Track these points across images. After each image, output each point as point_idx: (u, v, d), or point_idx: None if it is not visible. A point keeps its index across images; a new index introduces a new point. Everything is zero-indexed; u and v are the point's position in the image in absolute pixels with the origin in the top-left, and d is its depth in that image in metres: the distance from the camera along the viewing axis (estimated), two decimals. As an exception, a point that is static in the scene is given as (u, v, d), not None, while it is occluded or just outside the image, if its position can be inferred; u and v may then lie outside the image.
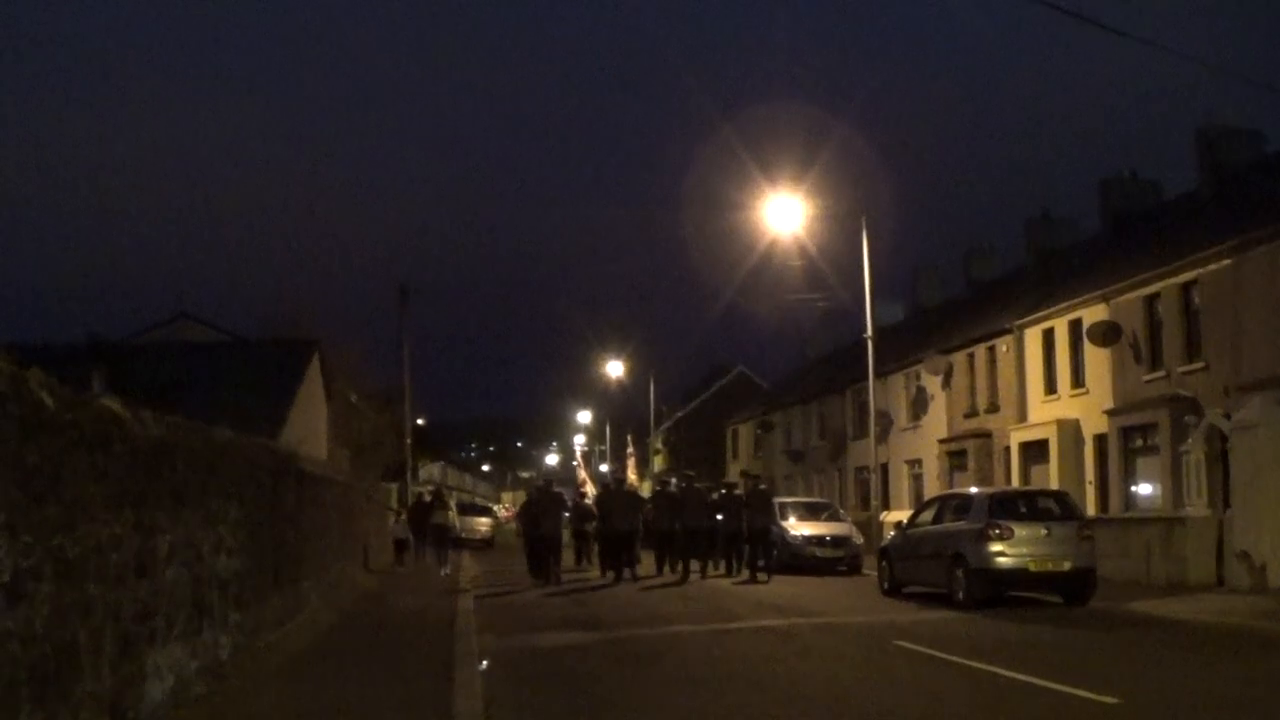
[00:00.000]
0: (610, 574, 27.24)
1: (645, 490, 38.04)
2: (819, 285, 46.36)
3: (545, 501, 27.96)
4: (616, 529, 27.58)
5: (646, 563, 29.61)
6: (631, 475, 76.67)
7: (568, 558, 30.97)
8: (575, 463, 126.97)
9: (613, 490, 31.14)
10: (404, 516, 35.14)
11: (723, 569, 29.12)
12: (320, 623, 15.82)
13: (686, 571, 27.64)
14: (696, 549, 28.42)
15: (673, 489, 31.67)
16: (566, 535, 31.92)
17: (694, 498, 29.27)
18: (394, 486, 48.58)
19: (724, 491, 31.03)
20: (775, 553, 28.68)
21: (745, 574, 27.72)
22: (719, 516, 29.03)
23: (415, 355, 70.96)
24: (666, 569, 28.49)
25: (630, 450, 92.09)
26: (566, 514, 32.14)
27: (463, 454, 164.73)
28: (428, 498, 34.91)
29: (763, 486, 30.72)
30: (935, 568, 20.65)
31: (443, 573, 28.63)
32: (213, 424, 10.60)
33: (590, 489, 56.56)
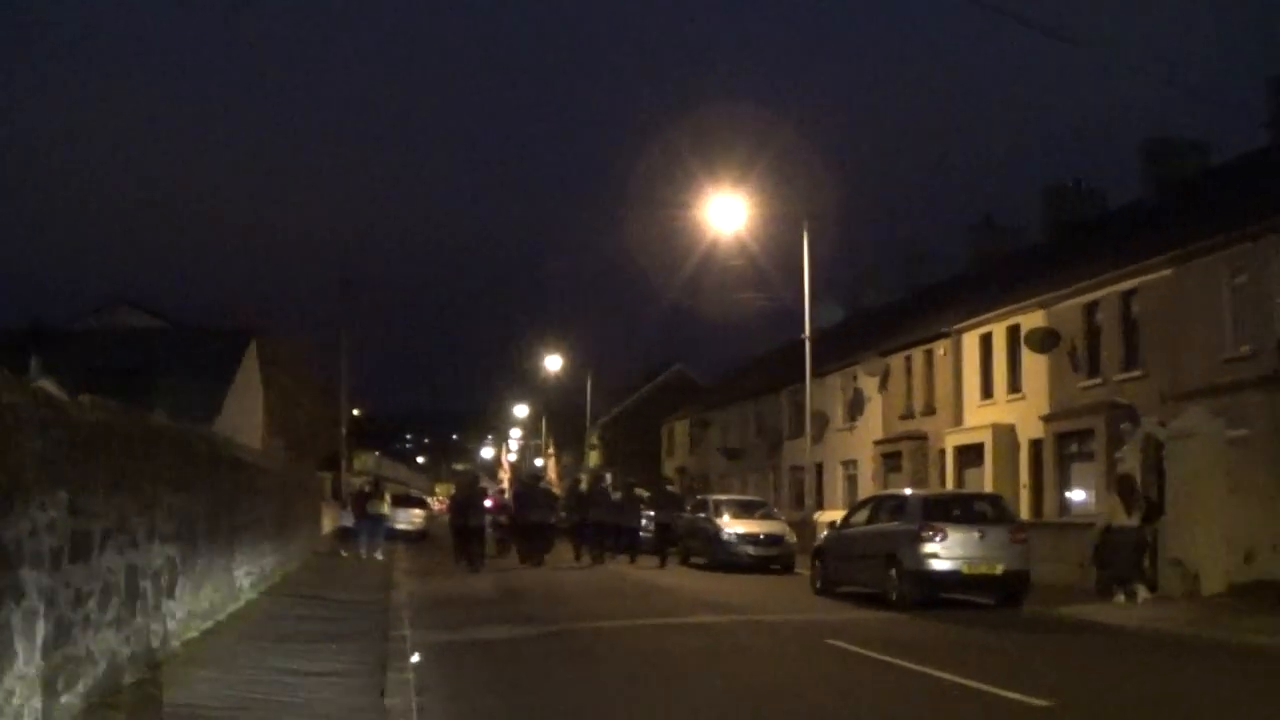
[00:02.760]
0: (527, 561, 30.55)
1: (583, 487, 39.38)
2: (760, 285, 46.73)
3: (471, 496, 31.62)
4: (531, 521, 31.06)
5: (564, 552, 32.80)
6: (551, 474, 76.72)
7: (490, 547, 33.49)
8: (509, 458, 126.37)
9: (529, 487, 33.96)
10: (349, 507, 35.44)
11: (626, 558, 31.99)
12: (254, 612, 15.70)
13: (592, 558, 31.36)
14: (602, 540, 31.89)
15: (582, 487, 34.96)
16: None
17: (600, 495, 33.16)
18: (329, 476, 48.32)
19: (626, 490, 34.01)
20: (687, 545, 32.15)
21: (653, 561, 31.21)
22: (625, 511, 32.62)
23: (354, 347, 70.52)
24: (585, 556, 31.82)
25: (551, 451, 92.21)
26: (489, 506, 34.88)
27: (399, 446, 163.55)
28: (367, 488, 35.13)
29: (669, 488, 34.64)
30: (869, 568, 20.77)
31: (376, 556, 30.57)
32: (149, 410, 10.50)
33: (506, 485, 57.88)
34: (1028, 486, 30.56)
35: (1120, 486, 21.29)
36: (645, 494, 34.26)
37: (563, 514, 33.90)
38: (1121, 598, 19.89)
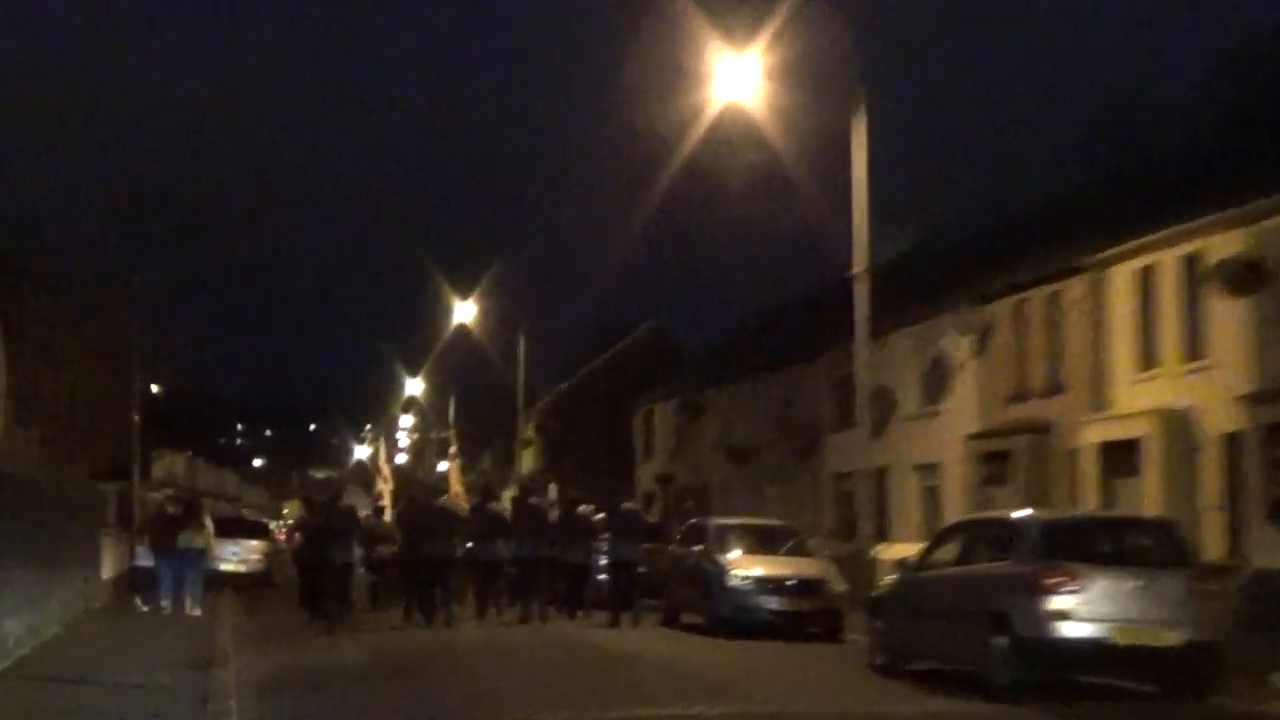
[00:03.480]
0: (418, 617, 30.90)
1: (506, 500, 39.42)
2: (786, 198, 46.20)
3: (333, 518, 32.19)
4: (426, 556, 31.27)
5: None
6: (455, 485, 76.83)
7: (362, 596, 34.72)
8: (392, 461, 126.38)
9: (421, 505, 34.46)
10: (147, 538, 35.46)
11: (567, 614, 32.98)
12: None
13: (523, 614, 31.83)
14: (532, 585, 32.72)
15: (496, 506, 35.71)
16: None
17: (529, 518, 33.56)
18: (114, 490, 48.06)
19: (566, 510, 34.78)
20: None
21: (589, 615, 32.37)
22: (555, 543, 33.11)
23: (155, 294, 69.80)
24: (508, 611, 32.85)
25: (453, 450, 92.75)
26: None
27: (224, 442, 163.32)
28: (173, 510, 35.10)
29: (629, 505, 35.13)
30: (959, 633, 20.50)
31: (191, 611, 31.42)
32: None
33: (387, 499, 57.92)
34: (1220, 508, 30.35)
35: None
36: (595, 514, 34.18)
37: (468, 544, 33.81)
38: None
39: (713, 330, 74.01)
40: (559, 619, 31.93)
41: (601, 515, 34.30)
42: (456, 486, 71.26)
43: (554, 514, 34.83)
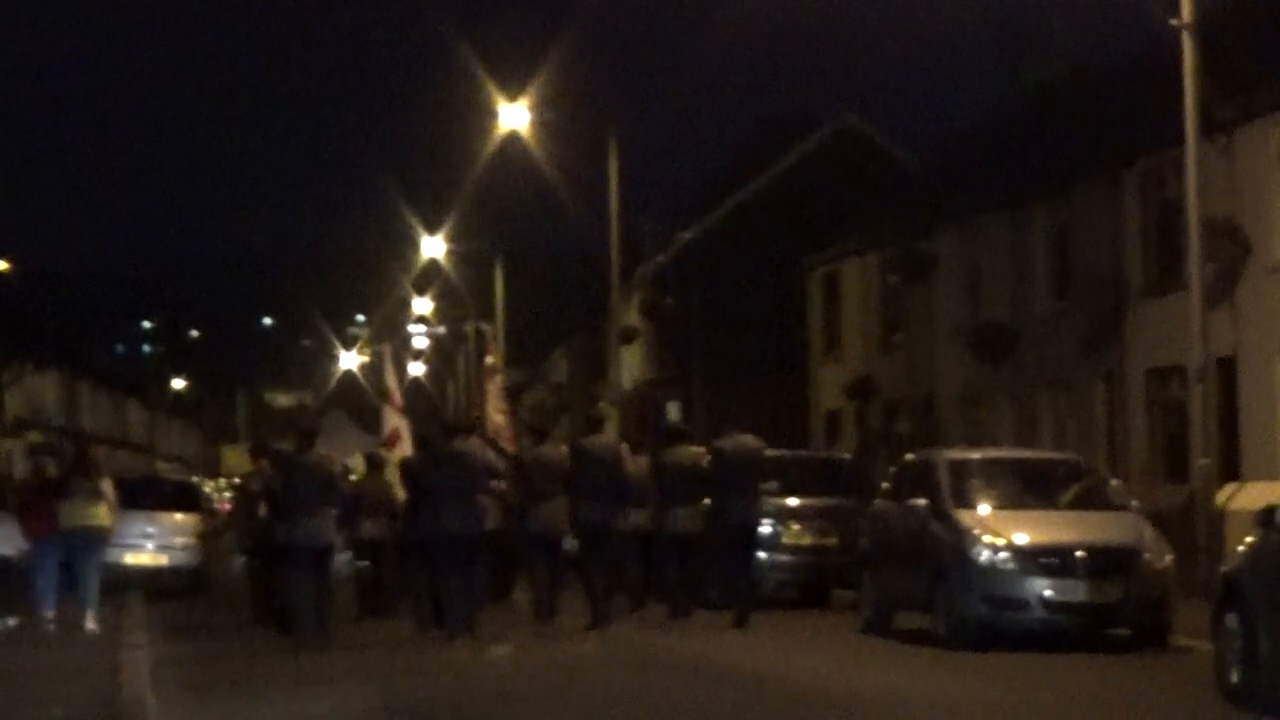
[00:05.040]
0: (436, 628, 31.93)
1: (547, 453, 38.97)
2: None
3: (297, 471, 32.51)
4: (443, 532, 31.58)
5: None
6: (494, 411, 77.19)
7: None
8: (390, 376, 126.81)
9: (444, 446, 33.57)
10: (10, 513, 35.96)
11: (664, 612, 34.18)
12: None
13: (594, 617, 32.26)
14: (594, 570, 33.09)
15: (551, 453, 34.62)
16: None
17: (592, 467, 33.43)
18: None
19: (659, 453, 35.36)
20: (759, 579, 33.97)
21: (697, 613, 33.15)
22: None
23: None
24: (548, 613, 33.05)
25: (490, 357, 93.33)
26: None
27: (121, 350, 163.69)
28: (51, 470, 35.57)
29: (746, 440, 33.92)
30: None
31: (85, 626, 32.00)
32: None
33: (406, 443, 57.38)
34: None
35: None
36: (701, 454, 33.69)
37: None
38: None
39: (933, 139, 73.81)
40: (653, 622, 32.54)
41: (703, 452, 33.84)
42: (498, 416, 71.72)
43: (641, 460, 35.06)
